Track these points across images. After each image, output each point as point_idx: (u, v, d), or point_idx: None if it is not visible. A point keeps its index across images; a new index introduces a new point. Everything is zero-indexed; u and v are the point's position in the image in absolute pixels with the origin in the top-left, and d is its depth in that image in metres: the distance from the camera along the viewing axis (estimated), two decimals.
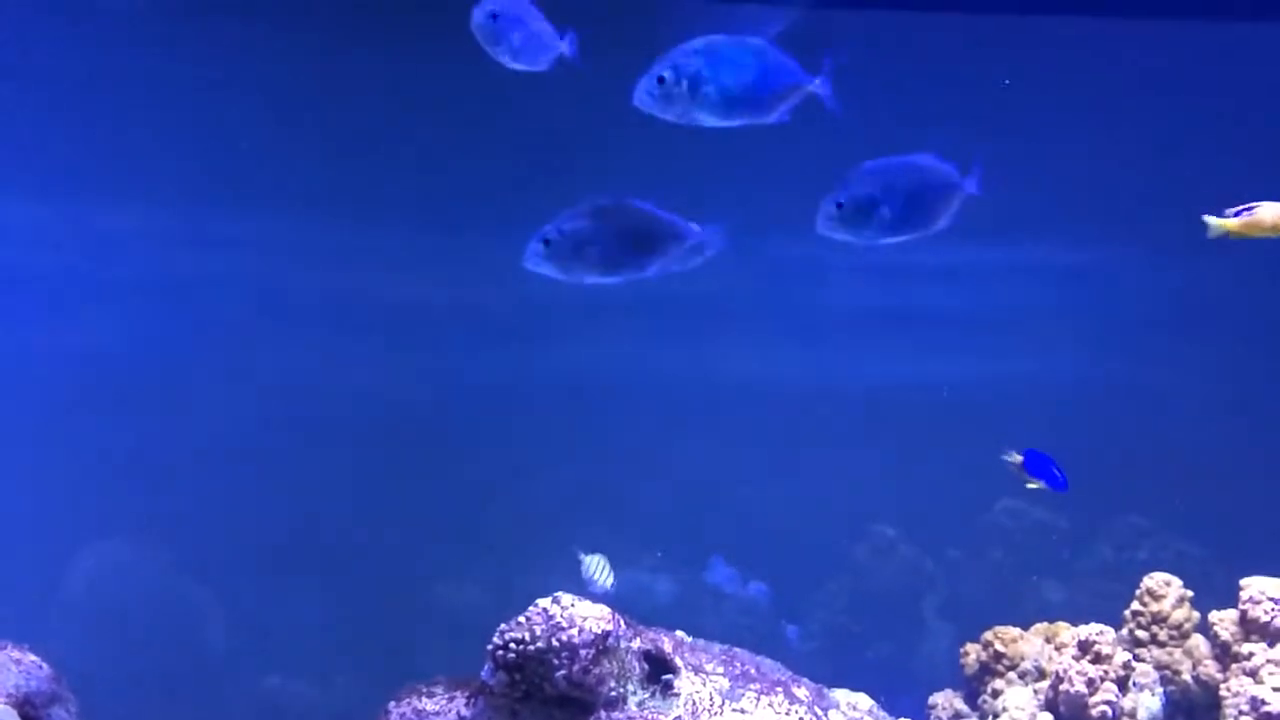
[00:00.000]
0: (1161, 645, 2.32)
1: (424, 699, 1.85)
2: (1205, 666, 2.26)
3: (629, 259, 2.07)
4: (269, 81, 2.90)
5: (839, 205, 2.01)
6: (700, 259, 2.07)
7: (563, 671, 1.73)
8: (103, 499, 2.95)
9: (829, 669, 2.11)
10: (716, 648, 1.95)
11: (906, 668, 3.17)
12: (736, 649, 1.97)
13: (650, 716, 1.76)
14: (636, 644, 1.82)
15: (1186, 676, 2.28)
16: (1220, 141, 2.93)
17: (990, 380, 3.13)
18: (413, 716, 1.83)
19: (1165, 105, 2.93)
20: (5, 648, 1.95)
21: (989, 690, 2.40)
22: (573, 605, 1.78)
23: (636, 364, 3.15)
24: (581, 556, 2.37)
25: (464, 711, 1.81)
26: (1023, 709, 2.30)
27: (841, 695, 2.03)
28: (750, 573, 3.25)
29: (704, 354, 3.15)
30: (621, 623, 1.81)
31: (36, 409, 2.97)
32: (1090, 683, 2.22)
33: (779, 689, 1.86)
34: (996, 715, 2.34)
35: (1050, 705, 2.29)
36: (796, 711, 1.82)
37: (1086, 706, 2.22)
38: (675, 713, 1.78)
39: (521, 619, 1.77)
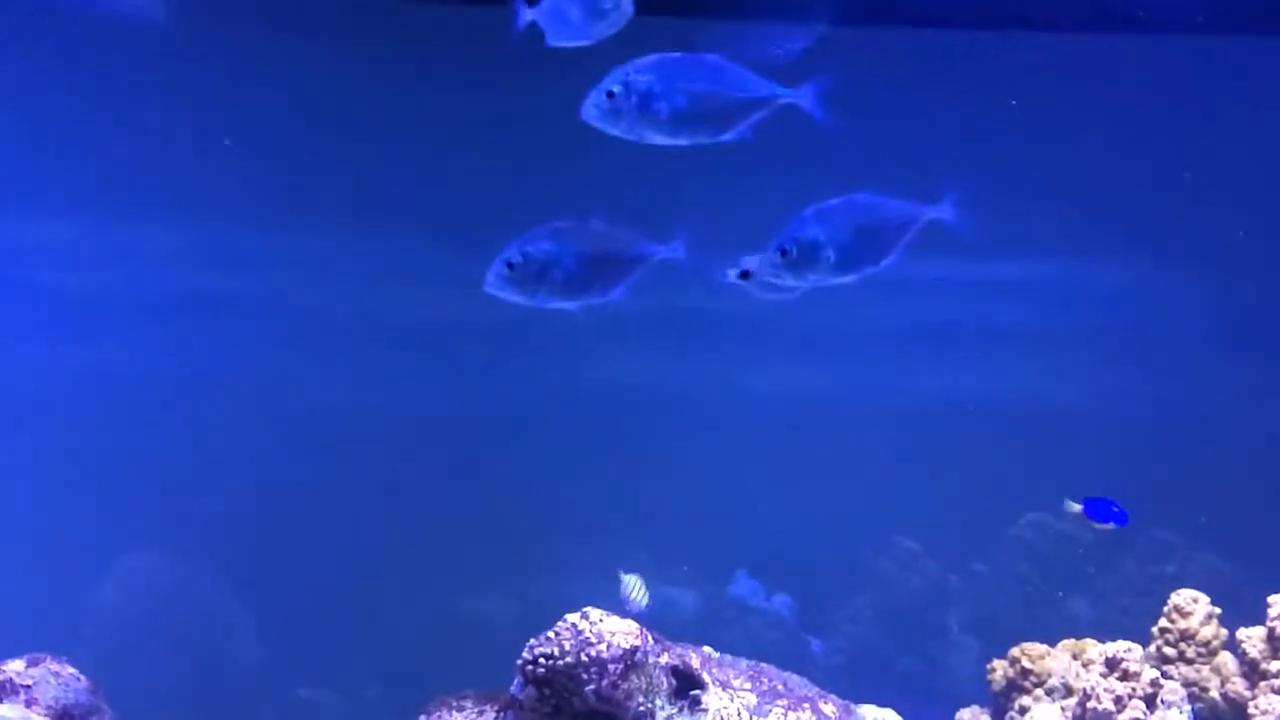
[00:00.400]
0: (1189, 662, 2.31)
1: (453, 712, 1.87)
2: (1233, 684, 2.25)
3: (593, 281, 2.07)
4: (294, 93, 2.94)
5: (783, 252, 2.02)
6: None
7: (592, 686, 1.75)
8: (136, 512, 2.98)
9: (854, 683, 2.11)
10: (744, 663, 1.95)
11: (931, 683, 3.17)
12: (764, 664, 1.98)
13: None
14: (664, 659, 1.83)
15: (1215, 694, 2.28)
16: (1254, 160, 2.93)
17: (1014, 395, 3.13)
18: None
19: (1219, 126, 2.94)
20: (44, 660, 1.98)
21: (1016, 707, 2.39)
22: (601, 620, 1.79)
23: (662, 378, 3.16)
24: (621, 575, 2.38)
25: None
26: None
27: (868, 711, 2.03)
28: (774, 586, 3.25)
29: (729, 368, 3.16)
30: (649, 638, 1.82)
31: (71, 422, 3.01)
32: (1118, 700, 2.22)
33: (806, 705, 1.86)
34: None
35: None
36: None
37: None
38: None
39: (550, 634, 1.78)
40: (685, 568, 3.17)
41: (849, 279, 2.06)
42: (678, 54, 1.98)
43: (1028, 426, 3.06)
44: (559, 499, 3.08)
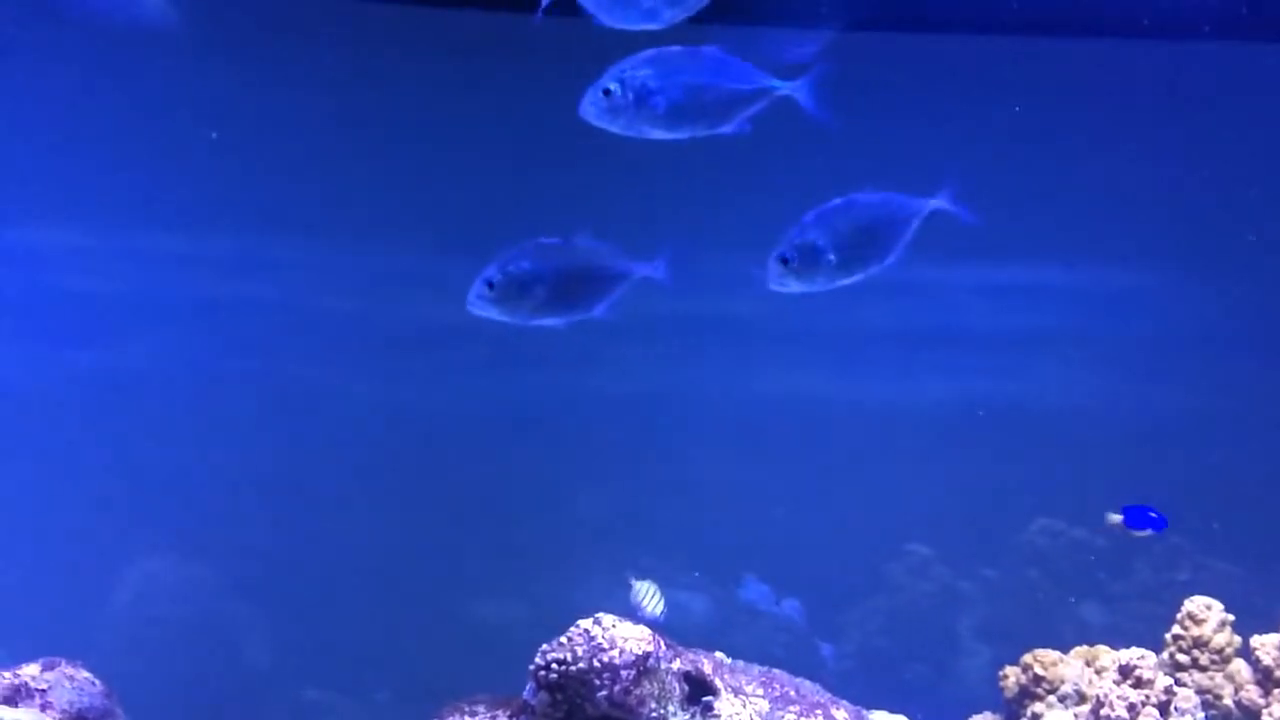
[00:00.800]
0: (1203, 670, 2.30)
1: (466, 717, 1.87)
2: (1247, 691, 2.25)
3: (574, 299, 2.08)
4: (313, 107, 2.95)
5: (784, 260, 2.02)
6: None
7: (604, 692, 1.75)
8: (150, 516, 3.00)
9: (865, 689, 2.11)
10: (756, 669, 1.95)
11: (942, 689, 3.16)
12: (775, 670, 1.98)
13: None
14: (677, 665, 1.83)
15: (1229, 701, 2.27)
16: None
17: (1025, 400, 3.12)
18: None
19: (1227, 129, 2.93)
20: (59, 664, 1.99)
21: (1029, 714, 2.39)
22: (614, 626, 1.79)
23: (674, 383, 3.16)
24: (632, 582, 2.38)
25: None
26: None
27: (880, 717, 2.03)
28: (784, 591, 3.25)
29: (740, 373, 3.17)
30: (662, 644, 1.82)
31: (85, 427, 3.02)
32: (1131, 708, 2.21)
33: (818, 711, 1.86)
34: None
35: None
36: None
37: None
38: None
39: (563, 639, 1.79)
40: (696, 573, 3.17)
41: (856, 279, 2.06)
42: (674, 48, 1.98)
43: (1039, 432, 3.05)
44: (571, 504, 3.08)
